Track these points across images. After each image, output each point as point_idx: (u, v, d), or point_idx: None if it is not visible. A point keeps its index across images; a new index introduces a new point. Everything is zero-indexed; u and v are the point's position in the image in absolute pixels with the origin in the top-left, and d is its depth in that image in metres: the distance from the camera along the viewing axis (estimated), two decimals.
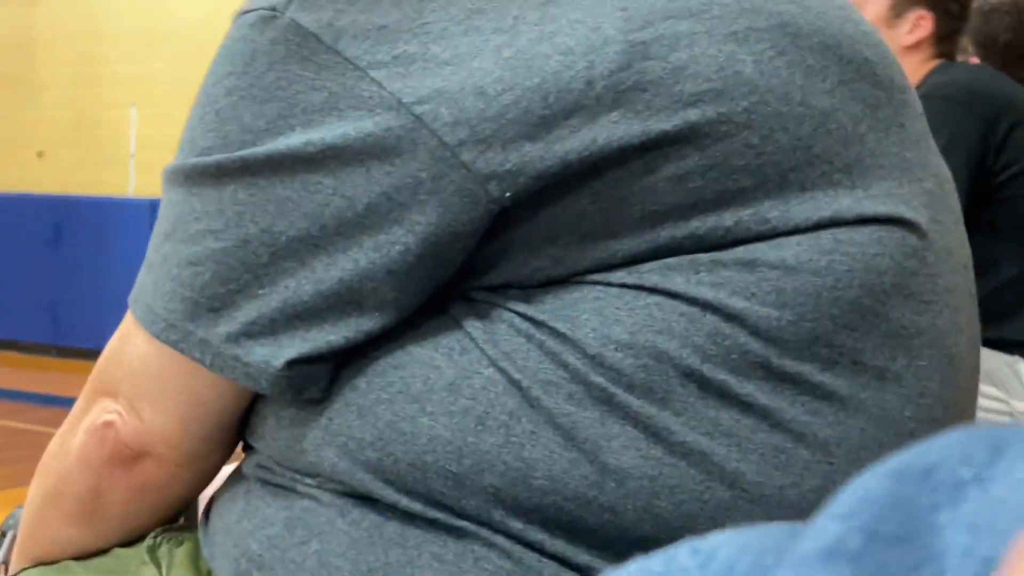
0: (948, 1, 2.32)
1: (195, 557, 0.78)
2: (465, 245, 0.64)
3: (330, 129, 0.64)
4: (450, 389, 0.64)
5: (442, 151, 0.62)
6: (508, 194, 0.62)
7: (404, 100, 0.62)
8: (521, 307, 0.65)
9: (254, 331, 0.66)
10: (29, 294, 9.50)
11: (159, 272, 0.69)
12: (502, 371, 0.64)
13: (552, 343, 0.64)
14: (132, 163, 9.26)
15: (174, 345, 0.68)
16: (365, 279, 0.64)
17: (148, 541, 0.79)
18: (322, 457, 0.67)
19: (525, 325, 0.65)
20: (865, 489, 0.25)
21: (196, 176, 0.67)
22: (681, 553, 0.27)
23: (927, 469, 0.25)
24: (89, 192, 9.36)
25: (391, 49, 0.63)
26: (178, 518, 0.83)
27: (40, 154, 9.70)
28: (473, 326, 0.65)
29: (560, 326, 0.64)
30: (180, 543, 0.79)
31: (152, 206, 9.01)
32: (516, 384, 0.64)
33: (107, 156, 9.34)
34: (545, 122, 0.61)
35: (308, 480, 0.69)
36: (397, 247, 0.64)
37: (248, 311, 0.66)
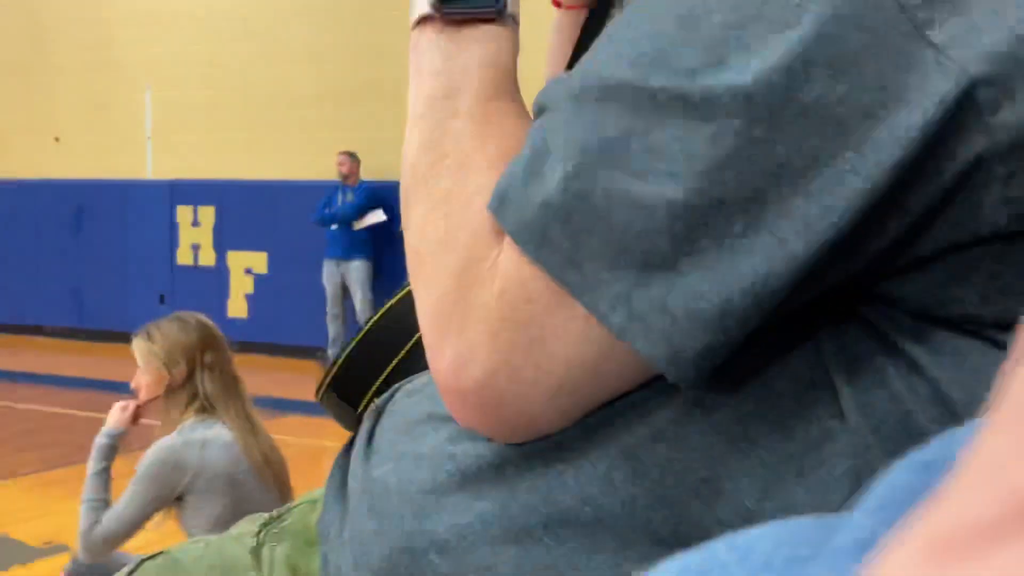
0: None
1: (294, 560, 0.76)
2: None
3: (885, 96, 0.50)
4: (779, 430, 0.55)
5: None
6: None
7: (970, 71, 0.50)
8: (914, 347, 0.54)
9: (691, 306, 0.52)
10: (53, 279, 9.57)
11: (565, 200, 0.54)
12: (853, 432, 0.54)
13: (930, 413, 0.53)
14: (149, 145, 9.29)
15: (567, 285, 0.54)
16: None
17: (251, 541, 0.78)
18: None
19: (909, 377, 0.54)
20: (894, 483, 0.26)
21: (664, 101, 0.52)
22: (719, 548, 0.28)
23: (950, 460, 0.26)
24: (107, 176, 9.40)
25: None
26: None
27: (57, 139, 9.73)
28: (834, 355, 0.55)
29: (955, 395, 0.52)
30: (280, 541, 0.77)
31: (170, 187, 9.05)
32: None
33: (123, 139, 9.37)
34: None
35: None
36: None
37: (691, 281, 0.52)
